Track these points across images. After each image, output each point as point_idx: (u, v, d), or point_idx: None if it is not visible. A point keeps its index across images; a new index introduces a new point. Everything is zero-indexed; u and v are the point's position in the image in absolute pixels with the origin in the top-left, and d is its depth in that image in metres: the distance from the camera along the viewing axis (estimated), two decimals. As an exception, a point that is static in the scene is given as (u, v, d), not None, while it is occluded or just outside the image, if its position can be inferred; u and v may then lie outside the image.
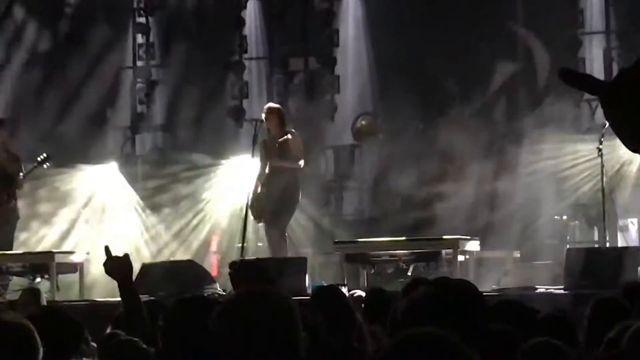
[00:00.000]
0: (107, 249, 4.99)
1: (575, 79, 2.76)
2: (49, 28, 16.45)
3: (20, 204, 13.60)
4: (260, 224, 12.99)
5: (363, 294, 8.16)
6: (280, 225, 12.62)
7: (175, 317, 3.84)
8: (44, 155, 13.30)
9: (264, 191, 12.57)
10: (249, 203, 12.56)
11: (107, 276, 5.03)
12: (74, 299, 12.59)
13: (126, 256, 4.93)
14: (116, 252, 5.00)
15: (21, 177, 13.12)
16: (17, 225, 13.63)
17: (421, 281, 5.84)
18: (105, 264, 4.92)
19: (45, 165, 13.36)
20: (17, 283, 12.71)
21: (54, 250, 13.20)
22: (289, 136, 12.50)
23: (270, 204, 12.52)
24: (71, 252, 13.46)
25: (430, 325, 2.83)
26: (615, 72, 15.10)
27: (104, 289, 13.97)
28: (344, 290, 9.31)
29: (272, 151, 12.57)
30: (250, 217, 12.69)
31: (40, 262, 12.58)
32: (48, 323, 4.60)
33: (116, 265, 4.90)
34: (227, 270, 14.37)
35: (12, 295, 11.74)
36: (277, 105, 13.15)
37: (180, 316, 3.84)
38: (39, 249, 14.13)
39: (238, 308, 3.30)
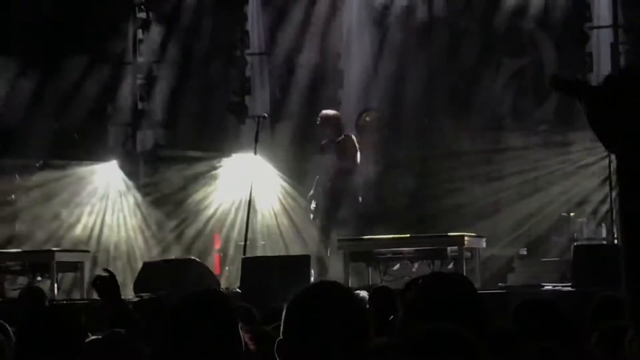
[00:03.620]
0: (105, 270, 5.35)
1: (566, 87, 2.85)
2: (46, 22, 16.48)
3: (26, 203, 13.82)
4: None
5: (366, 295, 8.15)
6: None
7: (181, 314, 3.89)
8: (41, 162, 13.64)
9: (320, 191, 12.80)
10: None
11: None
12: (75, 297, 12.68)
13: (111, 275, 5.25)
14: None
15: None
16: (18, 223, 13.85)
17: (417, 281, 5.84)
18: (94, 283, 5.30)
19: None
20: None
21: (54, 249, 13.26)
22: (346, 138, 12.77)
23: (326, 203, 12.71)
24: (71, 251, 13.55)
25: (429, 320, 2.86)
26: (623, 66, 15.17)
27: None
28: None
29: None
30: (253, 215, 12.78)
31: (40, 261, 12.65)
32: (52, 321, 4.71)
33: (102, 284, 5.21)
34: (230, 268, 14.55)
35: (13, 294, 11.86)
36: (333, 113, 13.34)
37: (187, 313, 3.90)
38: (41, 247, 14.23)
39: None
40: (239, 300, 9.64)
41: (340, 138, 12.76)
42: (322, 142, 13.09)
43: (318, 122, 13.08)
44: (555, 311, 4.72)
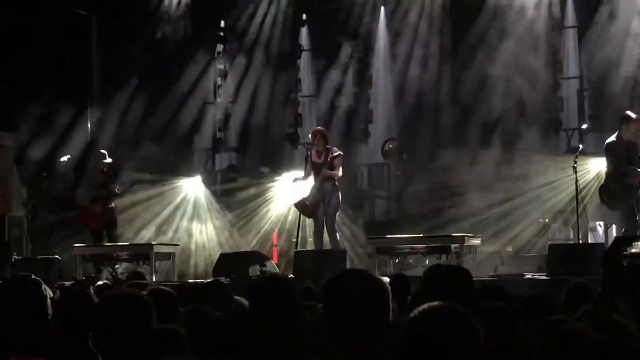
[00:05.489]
0: None
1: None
2: (149, 69, 16.61)
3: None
4: (310, 220, 12.85)
5: (388, 279, 8.09)
6: (329, 221, 12.30)
7: (260, 291, 3.89)
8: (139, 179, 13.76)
9: (314, 194, 12.35)
10: (306, 202, 12.33)
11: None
12: (169, 279, 12.72)
13: None
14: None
15: (117, 192, 13.43)
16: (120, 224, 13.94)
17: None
18: None
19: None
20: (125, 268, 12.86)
21: (153, 243, 13.30)
22: (334, 152, 12.27)
23: (320, 204, 12.27)
24: (166, 244, 13.58)
25: (430, 299, 2.82)
26: (587, 109, 15.13)
27: (193, 272, 14.12)
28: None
29: (320, 163, 12.32)
30: (303, 217, 12.63)
31: (142, 252, 12.70)
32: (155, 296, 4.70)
33: None
34: (285, 259, 14.53)
35: (121, 277, 11.90)
36: (321, 128, 12.91)
37: (264, 290, 3.89)
38: (142, 241, 14.30)
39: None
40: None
41: (336, 154, 12.23)
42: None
43: (311, 135, 12.45)
44: (502, 292, 4.68)
